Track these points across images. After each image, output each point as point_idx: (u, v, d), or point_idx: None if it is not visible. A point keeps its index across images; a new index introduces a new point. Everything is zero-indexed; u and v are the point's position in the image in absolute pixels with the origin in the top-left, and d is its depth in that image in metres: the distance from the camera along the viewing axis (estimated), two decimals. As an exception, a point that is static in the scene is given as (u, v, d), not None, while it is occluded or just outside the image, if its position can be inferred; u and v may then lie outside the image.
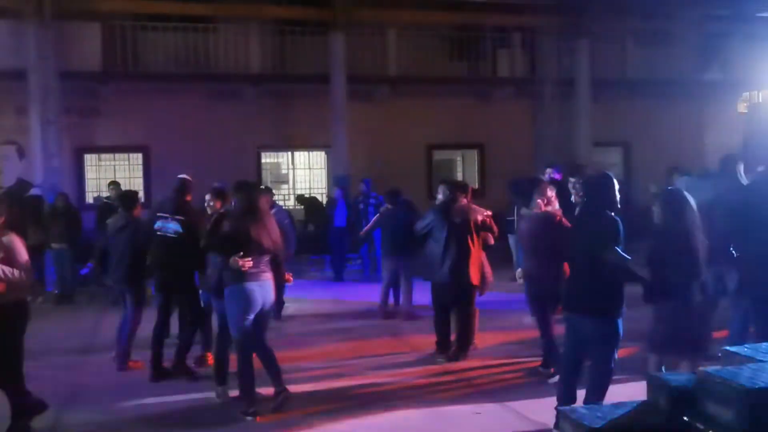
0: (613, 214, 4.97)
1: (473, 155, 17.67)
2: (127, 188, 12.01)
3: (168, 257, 6.80)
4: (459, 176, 17.29)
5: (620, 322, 4.94)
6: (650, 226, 5.35)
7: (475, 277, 7.21)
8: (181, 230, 6.72)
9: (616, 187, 5.13)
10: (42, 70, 13.27)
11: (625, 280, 4.99)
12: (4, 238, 5.13)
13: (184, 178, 7.10)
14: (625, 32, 17.11)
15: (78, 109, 14.44)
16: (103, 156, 15.46)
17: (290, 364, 6.61)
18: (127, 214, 7.40)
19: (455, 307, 7.33)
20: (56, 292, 11.17)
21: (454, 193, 7.37)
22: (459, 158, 18.15)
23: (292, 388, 5.90)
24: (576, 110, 16.83)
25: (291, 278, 6.46)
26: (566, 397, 5.00)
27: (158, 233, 6.83)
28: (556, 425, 4.66)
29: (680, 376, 3.80)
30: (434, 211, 7.39)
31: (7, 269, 5.01)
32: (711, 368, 3.52)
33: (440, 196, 7.46)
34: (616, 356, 5.00)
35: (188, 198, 7.02)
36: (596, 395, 4.88)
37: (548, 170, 10.19)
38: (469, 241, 7.17)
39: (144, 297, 7.40)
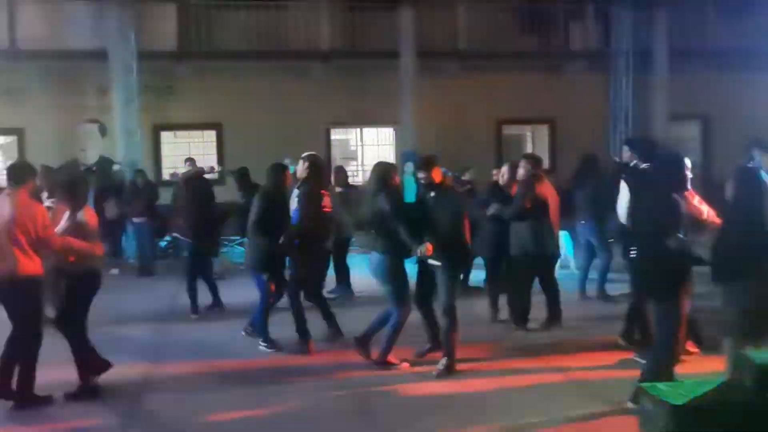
0: (677, 197, 4.84)
1: (544, 130, 17.37)
2: (201, 165, 12.38)
3: None
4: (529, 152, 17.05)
5: (682, 303, 4.83)
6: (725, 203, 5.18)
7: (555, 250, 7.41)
8: None
9: (687, 167, 4.99)
10: (122, 51, 13.79)
11: (689, 264, 4.90)
12: (78, 215, 5.52)
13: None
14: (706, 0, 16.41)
15: (155, 88, 14.89)
16: (179, 133, 15.92)
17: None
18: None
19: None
20: (136, 264, 11.63)
21: (537, 168, 7.34)
22: (529, 133, 17.87)
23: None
24: (652, 83, 16.30)
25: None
26: None
27: None
28: (634, 401, 4.63)
29: (765, 354, 3.71)
30: (525, 187, 7.33)
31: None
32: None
33: (521, 171, 7.38)
34: (678, 337, 4.90)
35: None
36: (650, 374, 4.83)
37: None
38: (547, 215, 7.18)
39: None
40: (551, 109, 16.50)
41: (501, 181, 7.73)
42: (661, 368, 4.82)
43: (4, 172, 14.39)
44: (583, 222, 8.48)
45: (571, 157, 11.06)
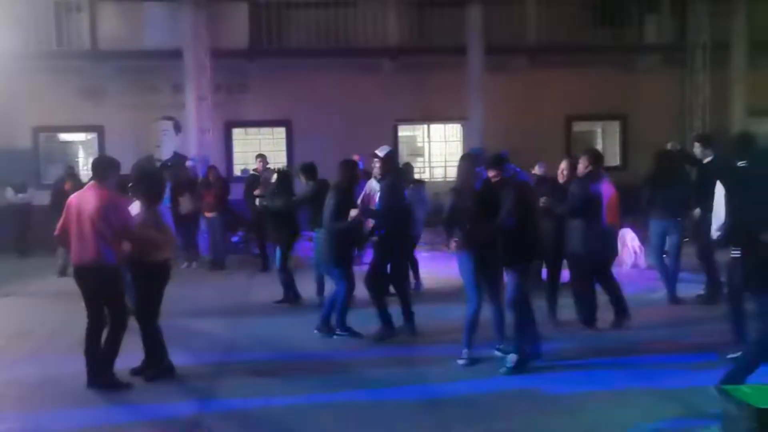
0: None
1: (615, 127, 16.96)
2: (273, 161, 12.63)
3: None
4: (599, 149, 16.65)
5: None
6: None
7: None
8: None
9: None
10: (196, 49, 14.19)
11: None
12: (154, 208, 5.85)
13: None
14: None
15: (227, 86, 15.25)
16: (249, 130, 16.26)
17: (427, 338, 6.83)
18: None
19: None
20: (209, 258, 11.93)
21: (598, 165, 7.18)
22: (599, 130, 17.48)
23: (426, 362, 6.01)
24: (730, 77, 15.71)
25: None
26: None
27: None
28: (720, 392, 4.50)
29: None
30: (580, 183, 7.19)
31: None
32: None
33: (580, 167, 7.23)
34: None
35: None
36: (737, 374, 4.66)
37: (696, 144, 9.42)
38: (601, 214, 7.04)
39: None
40: (623, 105, 16.11)
41: (561, 178, 7.47)
42: (751, 366, 4.69)
43: (86, 166, 15.05)
44: (678, 219, 8.21)
45: (644, 155, 10.78)
